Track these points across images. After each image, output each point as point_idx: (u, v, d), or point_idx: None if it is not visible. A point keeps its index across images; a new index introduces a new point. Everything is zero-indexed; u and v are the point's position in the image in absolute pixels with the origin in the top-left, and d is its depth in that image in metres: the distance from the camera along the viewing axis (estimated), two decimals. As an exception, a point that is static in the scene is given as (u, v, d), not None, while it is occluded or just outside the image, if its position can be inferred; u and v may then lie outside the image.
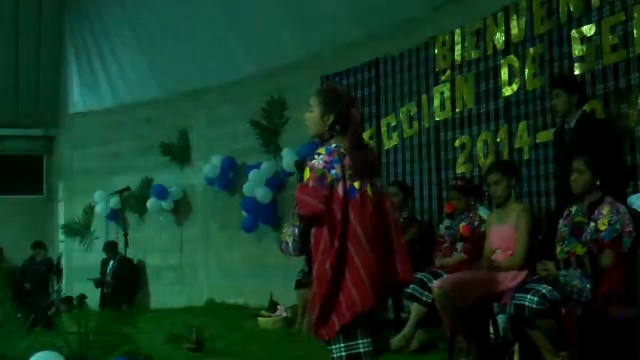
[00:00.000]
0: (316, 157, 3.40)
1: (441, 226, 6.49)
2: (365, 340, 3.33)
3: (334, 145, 3.43)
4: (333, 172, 3.35)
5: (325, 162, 3.37)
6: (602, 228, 4.44)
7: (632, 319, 4.17)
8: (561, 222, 4.77)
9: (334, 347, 3.34)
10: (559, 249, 4.71)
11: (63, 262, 13.19)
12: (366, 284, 3.28)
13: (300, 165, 3.66)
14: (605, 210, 4.49)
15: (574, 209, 4.70)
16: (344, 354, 3.32)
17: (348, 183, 3.37)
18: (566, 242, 4.65)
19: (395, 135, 8.11)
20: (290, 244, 3.42)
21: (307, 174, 3.38)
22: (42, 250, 12.50)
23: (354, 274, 3.29)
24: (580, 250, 4.54)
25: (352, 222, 3.33)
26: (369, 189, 3.42)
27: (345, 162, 3.38)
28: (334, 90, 3.70)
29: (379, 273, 3.34)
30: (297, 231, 3.42)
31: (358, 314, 3.26)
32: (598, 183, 4.60)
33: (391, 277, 3.46)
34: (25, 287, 11.76)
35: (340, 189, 3.35)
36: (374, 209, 3.41)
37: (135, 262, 11.75)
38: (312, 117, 3.54)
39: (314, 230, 3.39)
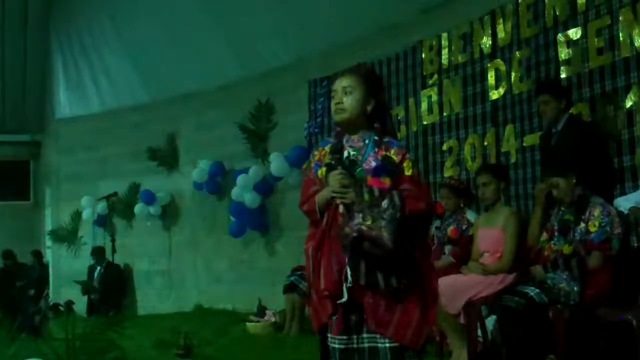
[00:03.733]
0: (407, 151, 3.14)
1: (431, 226, 6.49)
2: None
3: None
4: None
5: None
6: (592, 229, 4.46)
7: (620, 320, 4.18)
8: (549, 222, 4.79)
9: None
10: (545, 246, 4.73)
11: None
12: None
13: (336, 152, 3.17)
14: (597, 211, 4.51)
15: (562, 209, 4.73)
16: None
17: None
18: (554, 241, 4.66)
19: (382, 138, 8.11)
20: (387, 236, 2.86)
21: (411, 168, 3.06)
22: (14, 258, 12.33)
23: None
24: (566, 249, 4.55)
25: None
26: None
27: None
28: (374, 72, 3.33)
29: None
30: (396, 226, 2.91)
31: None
32: (574, 180, 4.63)
33: None
34: (30, 293, 11.58)
35: None
36: None
37: (123, 267, 11.71)
38: (354, 98, 3.08)
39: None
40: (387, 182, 3.00)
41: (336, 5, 8.48)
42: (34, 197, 15.20)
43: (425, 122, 7.60)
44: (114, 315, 9.90)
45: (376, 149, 3.08)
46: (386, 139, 3.10)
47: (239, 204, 9.69)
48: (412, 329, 2.96)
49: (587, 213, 4.54)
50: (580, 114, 5.80)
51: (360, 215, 2.90)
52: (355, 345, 3.00)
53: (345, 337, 2.99)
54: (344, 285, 2.97)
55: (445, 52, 7.38)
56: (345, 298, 2.98)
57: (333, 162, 3.07)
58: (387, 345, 2.96)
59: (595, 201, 4.58)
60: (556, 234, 4.66)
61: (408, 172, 3.03)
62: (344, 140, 3.16)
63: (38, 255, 12.72)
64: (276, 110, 9.75)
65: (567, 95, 5.50)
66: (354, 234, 2.88)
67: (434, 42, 7.51)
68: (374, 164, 3.05)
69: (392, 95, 7.98)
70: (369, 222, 2.87)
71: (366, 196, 2.95)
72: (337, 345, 2.99)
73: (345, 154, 3.12)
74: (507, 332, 4.59)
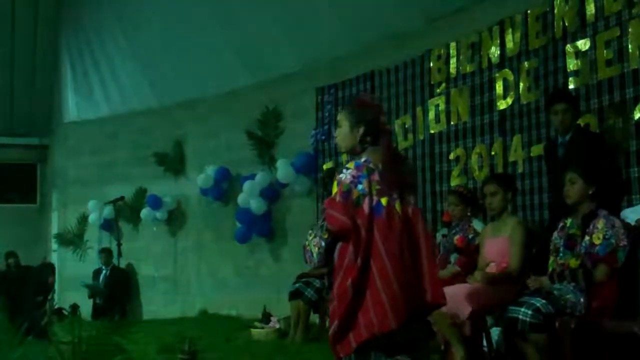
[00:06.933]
0: (344, 171, 3.38)
1: (437, 234, 6.49)
2: None
3: (363, 159, 3.40)
4: (360, 187, 3.31)
5: (353, 177, 3.33)
6: (597, 242, 4.44)
7: (625, 332, 4.17)
8: (555, 233, 4.77)
9: None
10: (551, 259, 4.72)
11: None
12: (386, 305, 3.22)
13: (330, 175, 3.77)
14: (600, 224, 4.49)
15: (568, 221, 4.71)
16: None
17: (375, 199, 3.31)
18: (560, 255, 4.65)
19: (389, 147, 8.11)
20: (314, 255, 3.45)
21: (335, 188, 3.35)
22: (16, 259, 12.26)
23: (374, 294, 3.24)
24: (573, 263, 4.54)
25: (376, 240, 3.27)
26: (397, 205, 3.35)
27: (373, 177, 3.34)
28: (362, 100, 3.74)
29: (403, 294, 3.26)
30: (323, 244, 3.44)
31: (374, 335, 3.23)
32: (590, 192, 4.61)
33: (418, 298, 3.37)
34: (38, 299, 11.56)
35: (365, 205, 3.29)
36: (402, 226, 3.35)
37: (128, 271, 11.73)
38: (342, 131, 3.52)
39: (339, 246, 3.35)
40: None
41: (344, 13, 8.50)
42: (41, 201, 15.24)
43: (432, 131, 7.60)
44: (119, 319, 9.90)
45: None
46: (349, 162, 3.46)
47: (245, 210, 9.70)
48: (332, 333, 3.31)
49: (591, 226, 4.53)
50: (588, 125, 5.80)
51: (311, 234, 3.64)
52: None
53: None
54: None
55: (453, 61, 7.39)
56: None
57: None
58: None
59: (599, 213, 4.57)
60: (562, 248, 4.65)
61: (333, 193, 3.38)
62: None
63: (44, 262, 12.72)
64: (283, 117, 9.77)
65: (578, 105, 5.51)
66: None
67: (442, 51, 7.52)
68: None
69: (400, 104, 8.00)
70: (310, 238, 3.67)
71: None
72: None
73: None
74: (512, 343, 4.59)
